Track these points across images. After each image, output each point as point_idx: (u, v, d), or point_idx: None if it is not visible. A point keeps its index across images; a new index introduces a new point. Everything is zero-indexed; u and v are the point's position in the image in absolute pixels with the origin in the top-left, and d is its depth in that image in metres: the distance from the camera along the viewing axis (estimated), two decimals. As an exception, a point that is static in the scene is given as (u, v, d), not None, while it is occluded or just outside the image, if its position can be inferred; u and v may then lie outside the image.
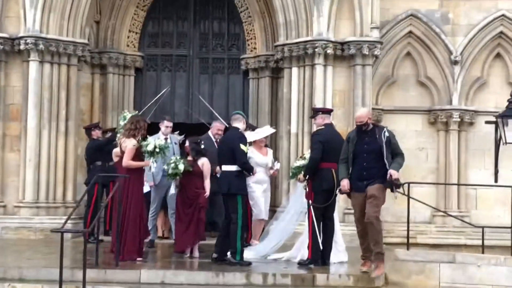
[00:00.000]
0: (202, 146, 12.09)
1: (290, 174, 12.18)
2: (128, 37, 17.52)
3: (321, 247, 10.90)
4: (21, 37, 15.16)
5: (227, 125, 12.88)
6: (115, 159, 12.05)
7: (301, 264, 11.10)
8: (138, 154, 11.34)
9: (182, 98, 17.55)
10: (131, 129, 11.37)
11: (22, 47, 15.15)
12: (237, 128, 11.23)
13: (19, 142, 15.32)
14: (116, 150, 11.96)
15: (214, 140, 13.47)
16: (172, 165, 11.78)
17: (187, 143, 12.31)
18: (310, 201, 11.01)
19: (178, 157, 12.09)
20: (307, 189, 11.12)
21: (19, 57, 15.44)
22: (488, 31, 16.81)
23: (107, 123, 16.88)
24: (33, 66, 15.21)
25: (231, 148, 10.98)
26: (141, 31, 17.70)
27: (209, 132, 13.76)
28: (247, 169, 11.09)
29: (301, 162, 11.53)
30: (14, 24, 15.39)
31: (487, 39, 16.83)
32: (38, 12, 15.19)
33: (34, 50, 15.12)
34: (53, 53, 15.37)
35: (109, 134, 15.04)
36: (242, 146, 10.96)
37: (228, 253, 11.09)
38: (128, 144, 11.26)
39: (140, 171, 11.47)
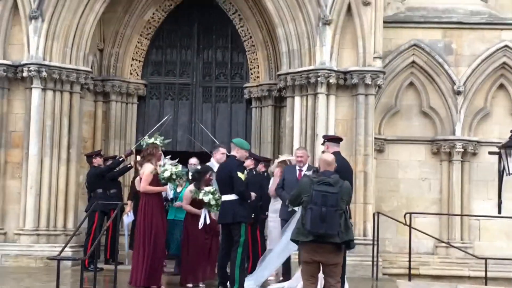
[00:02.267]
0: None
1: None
2: (132, 65, 17.57)
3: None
4: (24, 64, 15.19)
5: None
6: (138, 187, 11.92)
7: None
8: (157, 180, 11.32)
9: (185, 126, 17.54)
10: (148, 154, 11.38)
11: (25, 74, 15.17)
12: (234, 156, 11.13)
13: (21, 169, 15.28)
14: (138, 179, 11.90)
15: (298, 168, 12.46)
16: (216, 195, 11.60)
17: (210, 176, 12.05)
18: None
19: (215, 187, 11.87)
20: None
21: (22, 84, 15.45)
22: (491, 61, 16.80)
23: (110, 151, 16.87)
24: (36, 93, 15.21)
25: (229, 177, 10.90)
26: (145, 59, 17.76)
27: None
28: (244, 197, 10.98)
29: None
30: (18, 51, 15.44)
31: (490, 70, 16.82)
32: (42, 39, 15.23)
33: (37, 77, 15.14)
34: (56, 81, 15.39)
35: (109, 162, 15.05)
36: (239, 174, 10.87)
37: (228, 283, 10.97)
38: (146, 170, 11.25)
39: (159, 196, 11.40)
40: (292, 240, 9.03)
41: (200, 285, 11.83)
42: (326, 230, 8.60)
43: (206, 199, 11.56)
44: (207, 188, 11.69)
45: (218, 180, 11.16)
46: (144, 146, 12.14)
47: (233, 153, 11.16)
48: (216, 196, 11.56)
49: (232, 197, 10.88)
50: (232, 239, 10.94)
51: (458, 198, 16.59)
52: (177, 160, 11.80)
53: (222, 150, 13.18)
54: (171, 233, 12.79)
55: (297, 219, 11.48)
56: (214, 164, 12.76)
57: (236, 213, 10.84)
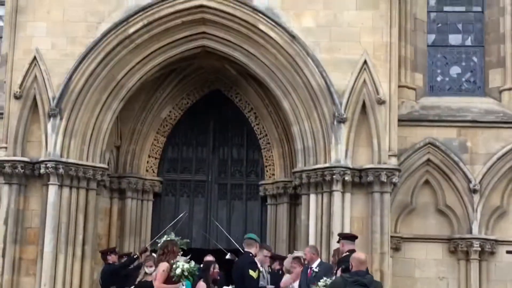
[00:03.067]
0: None
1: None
2: (148, 162, 17.70)
3: None
4: (42, 161, 15.34)
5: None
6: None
7: None
8: (170, 278, 11.18)
9: (200, 223, 17.52)
10: (160, 255, 11.31)
11: (42, 171, 15.30)
12: (249, 253, 11.04)
13: (35, 266, 15.23)
14: (154, 275, 11.84)
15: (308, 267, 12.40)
16: None
17: (214, 268, 12.00)
18: None
19: None
20: None
21: (39, 181, 15.57)
22: (507, 160, 16.73)
23: (124, 248, 16.81)
24: (52, 190, 15.30)
25: (241, 275, 10.79)
26: (161, 156, 17.90)
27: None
28: None
29: None
30: (35, 148, 15.63)
31: (506, 168, 16.73)
32: (60, 137, 15.43)
33: (54, 174, 15.26)
34: (73, 177, 15.50)
35: (124, 259, 14.96)
36: (251, 272, 10.71)
37: None
38: (159, 268, 11.16)
39: None
40: None
41: None
42: None
43: (178, 271, 11.34)
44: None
45: (234, 277, 11.07)
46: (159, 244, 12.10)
47: (249, 249, 11.06)
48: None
49: None
50: None
51: (477, 298, 16.32)
52: (189, 256, 11.68)
53: (266, 253, 12.78)
54: None
55: None
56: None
57: None
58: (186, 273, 11.19)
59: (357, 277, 8.74)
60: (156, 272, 11.26)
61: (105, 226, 16.98)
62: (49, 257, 15.08)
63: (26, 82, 15.63)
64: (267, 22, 15.58)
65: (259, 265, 11.40)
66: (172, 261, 11.25)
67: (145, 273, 13.37)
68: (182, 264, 11.29)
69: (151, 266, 13.38)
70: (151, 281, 12.97)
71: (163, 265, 11.15)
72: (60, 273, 15.15)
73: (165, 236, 12.33)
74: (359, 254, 9.37)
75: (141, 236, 17.20)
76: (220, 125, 18.06)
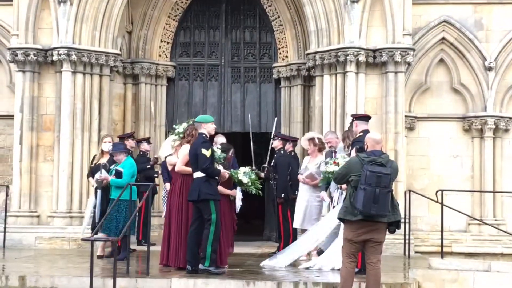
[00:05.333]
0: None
1: (321, 179, 12.03)
2: (160, 47, 17.60)
3: None
4: (54, 48, 15.28)
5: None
6: (169, 167, 12.08)
7: None
8: None
9: (214, 107, 17.56)
10: (188, 135, 11.43)
11: (55, 58, 15.27)
12: (202, 134, 10.97)
13: (52, 152, 15.42)
14: (170, 158, 11.98)
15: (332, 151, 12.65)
16: (252, 176, 11.73)
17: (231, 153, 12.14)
18: None
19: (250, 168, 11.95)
20: None
21: (52, 68, 15.56)
22: (523, 36, 16.59)
23: (140, 133, 16.95)
24: (66, 77, 15.31)
25: (195, 154, 10.83)
26: (173, 41, 17.77)
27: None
28: (209, 174, 10.75)
29: (334, 168, 11.27)
30: (47, 35, 15.53)
31: (522, 45, 16.61)
32: (71, 23, 15.31)
33: (66, 61, 15.23)
34: (86, 64, 15.47)
35: (142, 143, 15.16)
36: (203, 151, 10.67)
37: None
38: (183, 151, 11.31)
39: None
40: (339, 219, 9.07)
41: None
42: (378, 211, 8.66)
43: (245, 180, 11.53)
44: (242, 169, 11.67)
45: (190, 157, 11.06)
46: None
47: (201, 131, 11.02)
48: (253, 176, 11.59)
49: (199, 174, 10.77)
50: (203, 218, 10.83)
51: (490, 174, 16.46)
52: None
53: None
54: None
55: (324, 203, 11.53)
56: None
57: (201, 191, 10.71)
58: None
59: (373, 157, 8.81)
60: (178, 155, 11.40)
61: (120, 111, 17.07)
62: (66, 143, 15.25)
63: (33, -33, 15.40)
64: None
65: (215, 147, 11.41)
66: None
67: (102, 151, 13.47)
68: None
69: (109, 142, 13.46)
70: (103, 165, 13.11)
71: (186, 148, 11.27)
72: (77, 159, 15.34)
73: (184, 123, 12.38)
74: (374, 134, 9.38)
75: (156, 121, 17.30)
76: (232, 7, 17.83)
